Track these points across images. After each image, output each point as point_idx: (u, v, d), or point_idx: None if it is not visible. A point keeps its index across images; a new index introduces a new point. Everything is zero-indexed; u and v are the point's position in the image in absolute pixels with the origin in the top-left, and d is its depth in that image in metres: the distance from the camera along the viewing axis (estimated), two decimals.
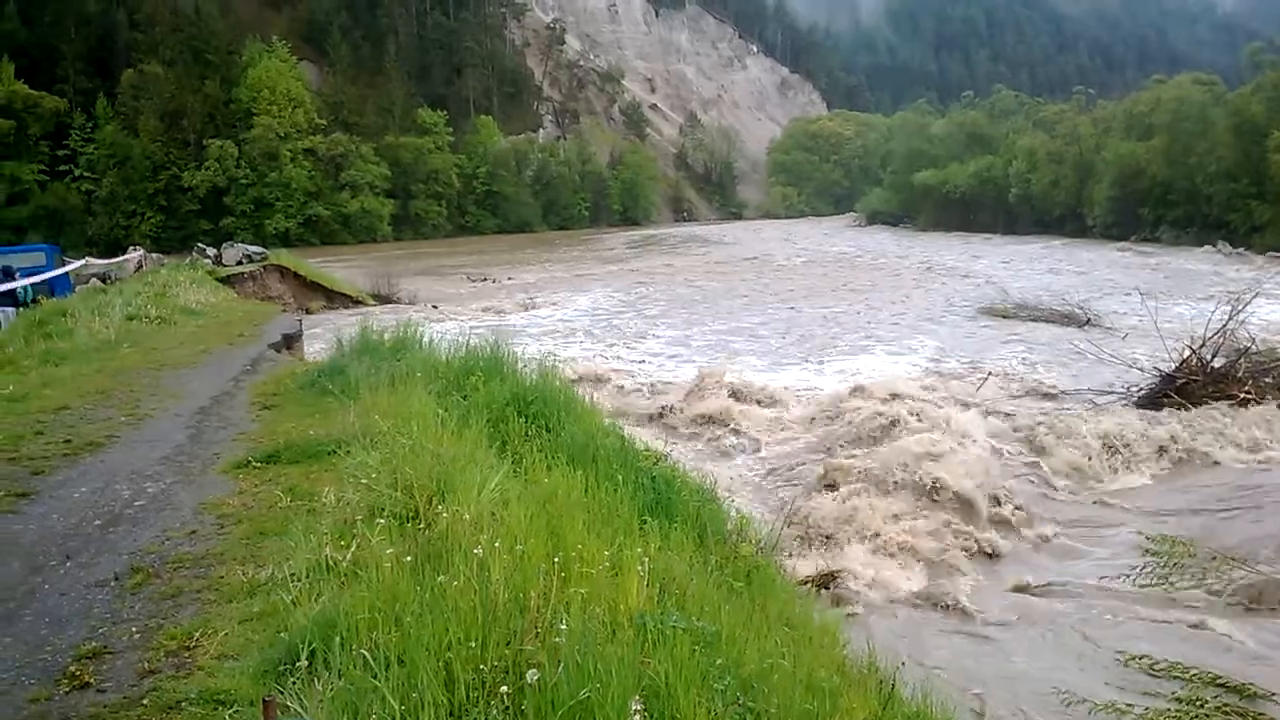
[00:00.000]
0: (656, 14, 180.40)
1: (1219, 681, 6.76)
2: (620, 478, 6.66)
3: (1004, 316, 29.17)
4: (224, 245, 34.60)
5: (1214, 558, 9.27)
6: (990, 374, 19.11)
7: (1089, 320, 26.74)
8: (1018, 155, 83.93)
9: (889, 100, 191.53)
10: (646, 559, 4.65)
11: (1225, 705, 6.48)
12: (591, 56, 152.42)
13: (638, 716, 3.10)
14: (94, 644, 4.13)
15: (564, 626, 3.46)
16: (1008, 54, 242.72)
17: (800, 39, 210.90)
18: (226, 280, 27.97)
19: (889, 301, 35.16)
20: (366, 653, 3.28)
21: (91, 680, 3.79)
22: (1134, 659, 7.16)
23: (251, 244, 38.13)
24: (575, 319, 32.28)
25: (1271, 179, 55.12)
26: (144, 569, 5.02)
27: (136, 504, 6.30)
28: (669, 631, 3.80)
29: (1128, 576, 9.24)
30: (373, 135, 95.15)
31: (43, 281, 22.63)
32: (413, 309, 32.32)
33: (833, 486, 11.82)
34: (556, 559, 4.06)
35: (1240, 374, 16.12)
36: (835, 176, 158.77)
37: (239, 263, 31.83)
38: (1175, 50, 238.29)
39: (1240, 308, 17.15)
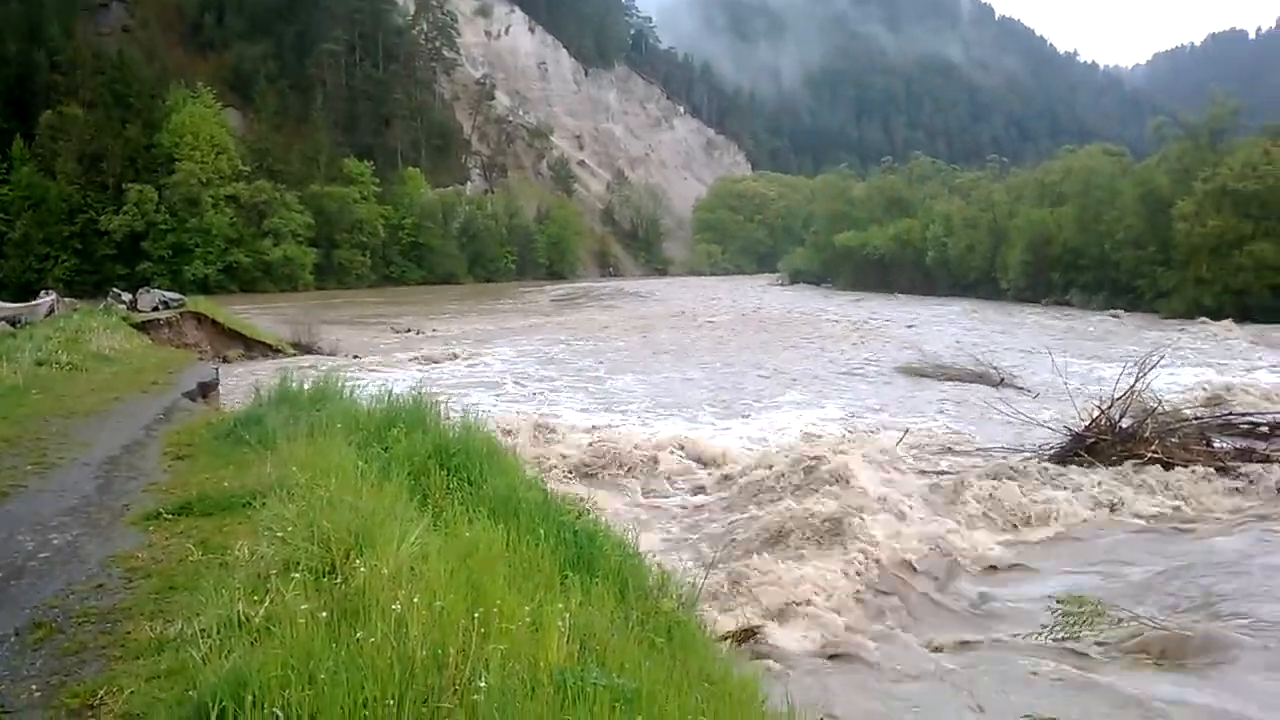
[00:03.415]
0: (586, 73, 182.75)
1: None
2: (542, 532, 6.63)
3: (920, 375, 29.74)
4: (140, 291, 33.87)
5: (1120, 613, 9.49)
6: (906, 431, 19.44)
7: (1002, 380, 27.39)
8: (935, 220, 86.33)
9: (811, 163, 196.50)
10: (567, 615, 4.63)
11: None
12: (521, 112, 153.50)
13: None
14: None
15: (483, 684, 3.43)
16: (925, 122, 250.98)
17: (726, 101, 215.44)
18: (141, 326, 27.35)
19: (808, 358, 35.65)
20: (279, 711, 3.21)
21: None
22: (1041, 716, 7.28)
23: (169, 290, 37.43)
24: (501, 371, 32.13)
25: (1176, 247, 57.40)
26: (46, 624, 4.85)
27: (40, 556, 6.09)
28: (589, 688, 3.78)
29: (1037, 633, 9.41)
30: (297, 183, 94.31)
31: None
32: (334, 359, 31.93)
33: (750, 542, 11.89)
34: (476, 615, 4.03)
35: (1147, 434, 16.61)
36: (759, 235, 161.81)
37: (155, 309, 31.19)
38: (1085, 122, 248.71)
39: (1147, 370, 17.73)
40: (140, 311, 30.45)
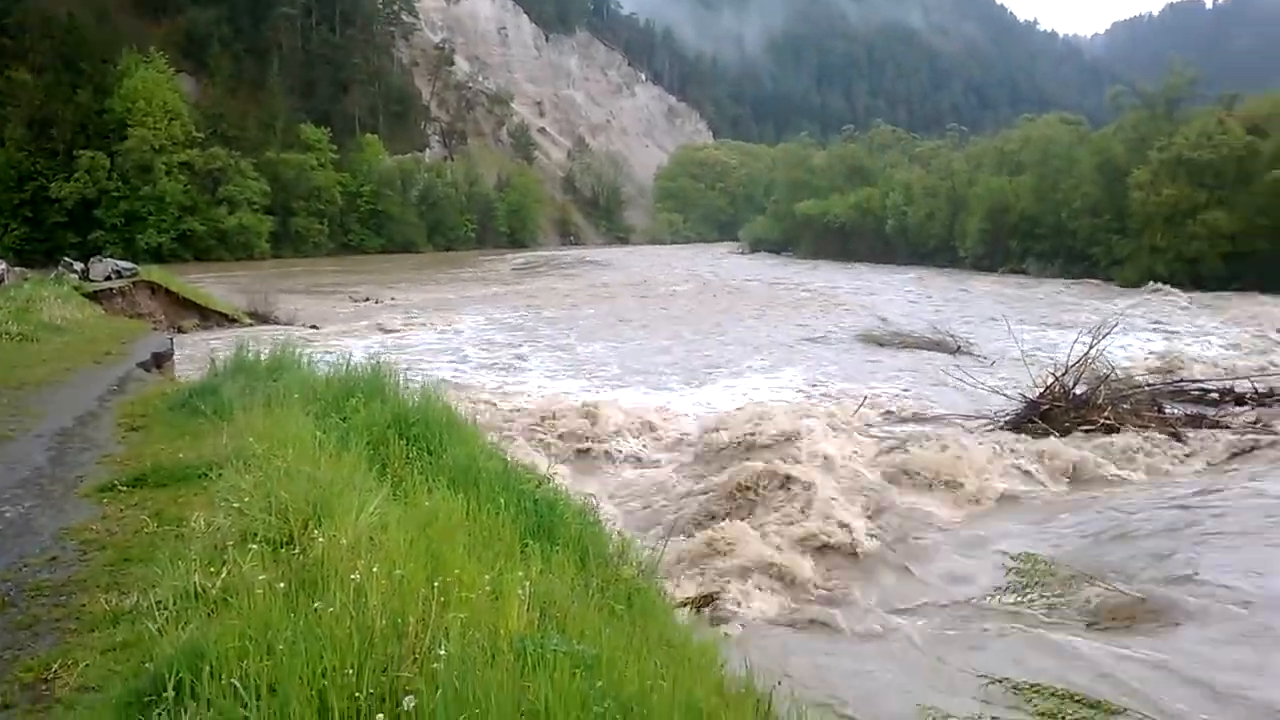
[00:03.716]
0: (547, 39, 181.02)
1: (1076, 697, 7.05)
2: (502, 500, 6.64)
3: (880, 344, 29.99)
4: (92, 260, 33.32)
5: (1072, 576, 9.67)
6: (865, 399, 19.61)
7: (959, 348, 27.69)
8: (895, 188, 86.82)
9: (772, 130, 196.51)
10: (528, 582, 4.65)
11: (1082, 719, 6.76)
12: (480, 78, 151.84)
13: None
14: None
15: (443, 652, 3.43)
16: (886, 89, 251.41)
17: (688, 68, 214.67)
18: (94, 296, 26.94)
19: (770, 326, 35.80)
20: (237, 682, 3.20)
21: None
22: (996, 676, 7.42)
23: (122, 259, 36.85)
24: (465, 340, 31.98)
25: (1132, 216, 58.07)
26: None
27: None
28: (549, 655, 3.80)
29: (991, 594, 9.57)
30: (253, 150, 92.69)
31: None
32: (292, 328, 31.62)
33: (709, 508, 11.98)
34: (436, 584, 4.02)
35: (1100, 401, 16.89)
36: (720, 204, 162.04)
37: (108, 278, 30.73)
38: (1044, 90, 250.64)
39: (1100, 338, 18.00)
40: (93, 281, 30.00)
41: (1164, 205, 55.29)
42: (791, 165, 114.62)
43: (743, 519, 11.46)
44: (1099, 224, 61.36)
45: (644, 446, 16.43)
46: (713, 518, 11.64)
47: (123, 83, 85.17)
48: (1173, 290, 48.55)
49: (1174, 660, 8.06)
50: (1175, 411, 17.70)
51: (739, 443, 14.99)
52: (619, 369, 25.76)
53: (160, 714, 3.23)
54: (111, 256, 38.25)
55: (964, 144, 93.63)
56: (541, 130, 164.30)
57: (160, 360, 16.02)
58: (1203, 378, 21.22)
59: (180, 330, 29.45)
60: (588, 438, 16.36)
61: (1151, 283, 51.91)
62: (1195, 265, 53.54)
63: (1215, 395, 19.12)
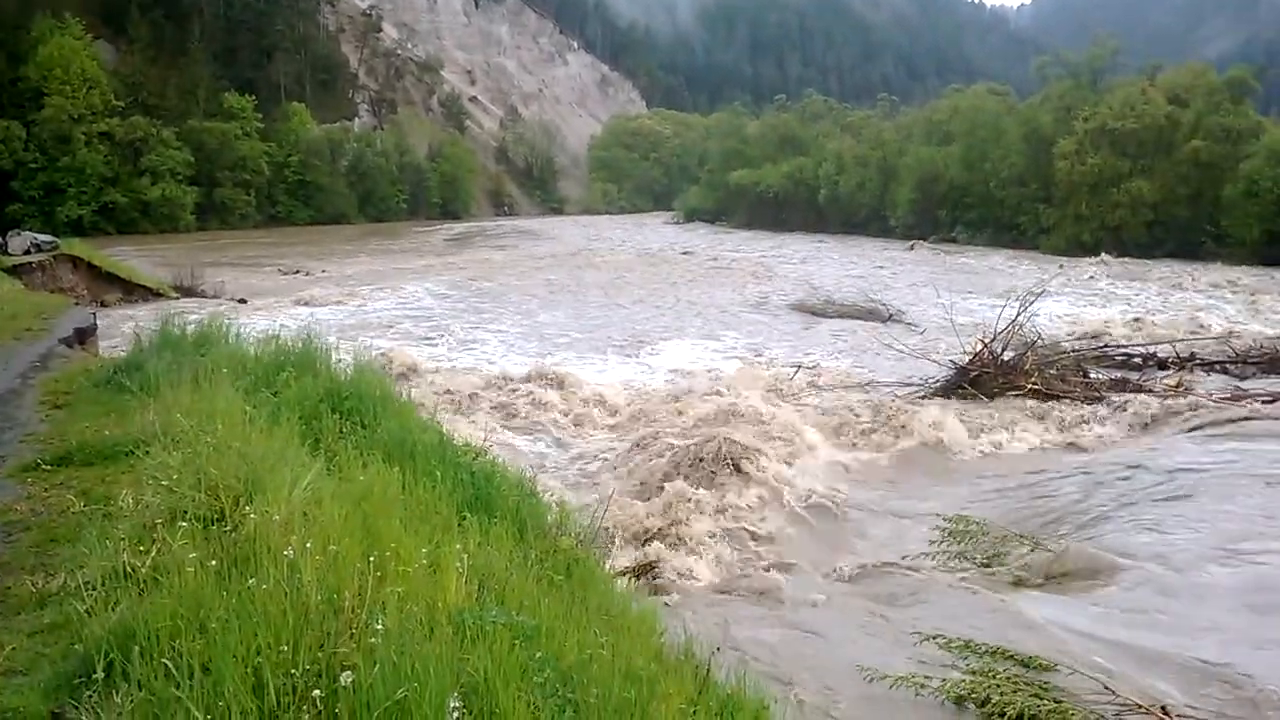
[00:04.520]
0: (476, 5, 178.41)
1: (1008, 654, 7.23)
2: (439, 473, 6.59)
3: (813, 313, 30.29)
4: (10, 233, 32.37)
5: (1003, 535, 9.90)
6: (800, 367, 19.80)
7: (891, 316, 28.09)
8: (827, 158, 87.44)
9: (706, 100, 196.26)
10: (465, 555, 4.63)
11: (1014, 676, 6.93)
12: (409, 46, 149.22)
13: (456, 713, 3.08)
14: None
15: (380, 626, 3.40)
16: (818, 60, 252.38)
17: (620, 36, 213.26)
18: (13, 271, 26.21)
19: (705, 296, 35.94)
20: (169, 662, 3.14)
21: None
22: (931, 635, 7.57)
23: (41, 232, 35.88)
24: (394, 314, 31.62)
25: (1057, 185, 59.16)
26: None
27: None
28: (488, 627, 3.80)
29: (925, 555, 9.76)
30: (175, 119, 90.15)
31: None
32: (219, 302, 31.04)
33: (647, 477, 12.02)
34: (372, 558, 3.98)
35: (1028, 366, 17.26)
36: (655, 174, 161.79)
37: (27, 252, 29.95)
38: (971, 61, 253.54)
39: (1027, 305, 18.35)
40: (11, 255, 29.22)
41: (1088, 175, 56.44)
42: (725, 135, 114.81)
43: (681, 487, 11.52)
44: (1026, 193, 62.46)
45: (587, 415, 16.42)
46: (654, 485, 11.68)
47: (38, 49, 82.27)
48: (1124, 259, 49.20)
49: (1101, 616, 8.30)
50: (1100, 376, 18.14)
51: (677, 410, 15.05)
52: (557, 341, 25.69)
53: (90, 696, 3.17)
54: (30, 230, 37.28)
55: (894, 114, 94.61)
56: (473, 99, 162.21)
57: (83, 336, 15.59)
58: (1127, 343, 21.77)
59: (103, 305, 28.76)
60: (520, 412, 16.32)
61: (1079, 251, 52.93)
62: (1119, 233, 54.78)
63: (1139, 360, 19.63)
